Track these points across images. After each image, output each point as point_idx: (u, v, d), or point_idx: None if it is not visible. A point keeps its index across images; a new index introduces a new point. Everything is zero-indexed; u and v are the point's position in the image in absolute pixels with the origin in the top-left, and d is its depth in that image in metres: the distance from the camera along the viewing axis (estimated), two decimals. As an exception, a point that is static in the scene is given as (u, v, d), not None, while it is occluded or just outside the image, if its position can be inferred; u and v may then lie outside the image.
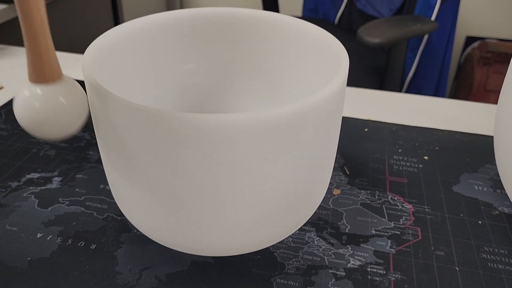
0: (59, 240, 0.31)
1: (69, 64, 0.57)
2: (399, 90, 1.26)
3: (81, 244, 0.31)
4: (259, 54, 0.34)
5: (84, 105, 0.23)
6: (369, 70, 1.21)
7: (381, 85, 1.16)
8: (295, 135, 0.22)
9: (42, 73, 0.21)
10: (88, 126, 0.43)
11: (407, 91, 1.33)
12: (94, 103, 0.24)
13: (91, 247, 0.31)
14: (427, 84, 1.34)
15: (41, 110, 0.22)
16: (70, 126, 0.23)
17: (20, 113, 0.22)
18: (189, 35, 0.33)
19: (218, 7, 0.33)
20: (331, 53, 0.28)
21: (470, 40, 1.69)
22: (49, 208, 0.34)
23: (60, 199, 0.35)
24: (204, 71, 0.35)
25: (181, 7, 1.97)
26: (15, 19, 1.09)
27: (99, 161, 0.39)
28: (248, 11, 0.32)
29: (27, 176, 0.37)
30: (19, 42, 1.12)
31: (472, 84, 1.59)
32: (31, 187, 0.36)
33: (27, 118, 0.22)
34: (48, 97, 0.22)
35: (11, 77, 0.53)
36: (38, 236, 0.31)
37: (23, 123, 0.22)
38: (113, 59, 0.29)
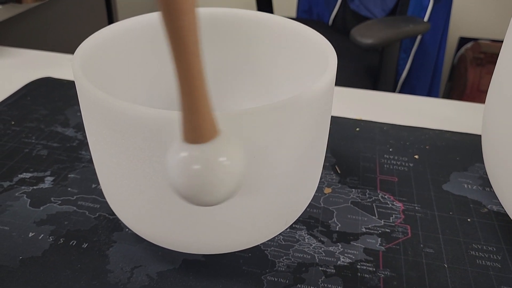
0: (51, 239, 0.31)
1: (62, 64, 0.57)
2: (393, 90, 1.27)
3: (73, 243, 0.31)
4: (250, 54, 0.34)
5: (244, 161, 0.20)
6: (363, 71, 1.21)
7: (374, 86, 1.17)
8: (283, 133, 0.23)
9: (200, 132, 0.18)
10: (80, 127, 0.43)
11: (401, 92, 1.34)
12: (83, 102, 0.24)
13: (83, 246, 0.31)
14: (420, 84, 1.34)
15: (199, 173, 0.18)
16: (234, 186, 0.19)
17: (178, 178, 0.19)
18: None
19: (212, 7, 0.33)
20: (320, 52, 0.28)
21: (463, 41, 1.70)
22: (41, 208, 0.34)
23: (52, 198, 0.35)
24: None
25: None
26: (10, 19, 1.08)
27: (91, 161, 0.39)
28: (239, 11, 0.33)
29: (19, 176, 0.37)
30: (14, 43, 1.12)
31: (466, 84, 1.60)
32: (23, 187, 0.36)
33: (184, 182, 0.19)
34: (209, 157, 0.18)
35: (5, 78, 0.53)
36: (30, 235, 0.32)
37: (182, 189, 0.19)
38: (103, 59, 0.29)
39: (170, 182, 0.19)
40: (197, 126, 0.18)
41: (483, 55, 1.59)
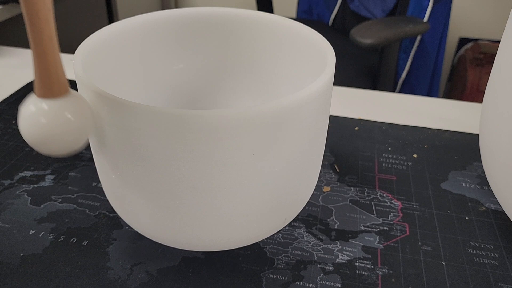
0: (51, 237, 0.31)
1: (64, 64, 0.57)
2: (392, 90, 1.27)
3: (73, 240, 0.31)
4: (249, 53, 0.35)
5: (90, 121, 0.23)
6: (363, 71, 1.21)
7: (374, 86, 1.17)
8: (282, 131, 0.23)
9: (50, 88, 0.21)
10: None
11: (400, 92, 1.34)
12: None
13: (83, 243, 0.31)
14: (420, 85, 1.35)
15: (48, 125, 0.21)
16: (76, 142, 0.22)
17: (25, 128, 0.21)
18: (180, 35, 0.34)
19: (213, 7, 0.34)
20: (318, 52, 0.29)
21: (463, 41, 1.71)
22: (42, 206, 0.34)
23: (52, 196, 0.35)
24: (196, 71, 0.36)
25: (176, 6, 1.97)
26: (10, 20, 1.09)
27: (91, 159, 0.39)
28: (239, 11, 0.33)
29: (20, 174, 0.37)
30: (14, 43, 1.12)
31: (465, 85, 1.60)
32: (24, 185, 0.36)
33: (33, 133, 0.21)
34: (55, 112, 0.21)
35: (5, 77, 0.53)
36: (30, 233, 0.32)
37: (29, 138, 0.22)
38: (104, 58, 0.29)
39: (21, 132, 0.22)
40: (47, 83, 0.21)
41: (483, 56, 1.59)
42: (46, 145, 0.21)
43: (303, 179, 0.27)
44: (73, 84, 0.51)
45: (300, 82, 0.32)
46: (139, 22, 0.31)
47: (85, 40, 0.27)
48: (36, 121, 0.21)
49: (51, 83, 0.21)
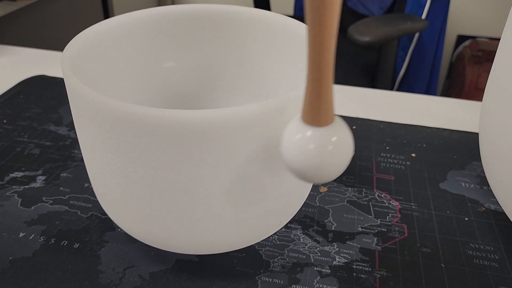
0: (42, 240, 0.31)
1: (56, 62, 0.57)
2: (391, 88, 1.27)
3: (64, 243, 0.31)
4: (243, 51, 0.34)
5: (351, 150, 0.21)
6: (360, 69, 1.21)
7: (372, 84, 1.16)
8: (276, 131, 0.22)
9: (318, 116, 0.20)
10: (73, 125, 0.43)
11: (399, 90, 1.33)
12: (73, 100, 0.23)
13: (74, 246, 0.30)
14: (418, 82, 1.34)
15: (315, 153, 0.20)
16: (336, 171, 0.21)
17: (292, 155, 0.20)
18: (172, 33, 0.33)
19: (206, 4, 0.33)
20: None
21: (461, 38, 1.70)
22: (32, 207, 0.33)
23: (43, 198, 0.34)
24: (188, 69, 0.35)
25: (172, 3, 1.96)
26: (5, 17, 1.08)
27: (83, 159, 0.38)
28: (232, 7, 0.32)
29: (10, 175, 0.36)
30: (8, 41, 1.11)
31: (464, 82, 1.60)
32: (14, 186, 0.35)
33: (300, 160, 0.20)
34: (321, 141, 0.20)
35: (0, 76, 0.53)
36: (20, 236, 0.31)
37: (295, 165, 0.20)
38: (93, 56, 0.28)
39: (285, 160, 0.21)
40: (321, 110, 0.19)
41: (481, 53, 1.59)
42: (310, 173, 0.20)
43: (298, 181, 0.27)
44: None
45: (295, 80, 0.31)
46: (130, 20, 0.31)
47: (73, 38, 0.27)
48: (305, 147, 0.20)
49: (320, 111, 0.19)
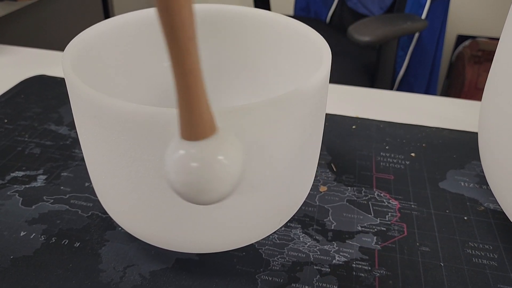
0: (43, 239, 0.31)
1: (57, 62, 0.57)
2: (390, 88, 1.27)
3: (65, 242, 0.31)
4: (243, 50, 0.34)
5: (242, 164, 0.19)
6: (360, 69, 1.21)
7: (372, 84, 1.16)
8: (276, 130, 0.22)
9: (197, 128, 0.18)
10: (74, 125, 0.43)
11: (398, 90, 1.33)
12: (74, 99, 0.24)
13: (75, 245, 0.31)
14: (418, 82, 1.34)
15: (200, 170, 0.18)
16: (233, 184, 0.19)
17: (175, 176, 0.18)
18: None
19: (208, 4, 0.33)
20: (314, 49, 0.28)
21: (461, 38, 1.70)
22: (33, 207, 0.33)
23: (44, 197, 0.34)
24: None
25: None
26: (6, 17, 1.08)
27: (84, 159, 0.38)
28: (232, 7, 0.32)
29: (11, 174, 0.36)
30: (9, 41, 1.11)
31: (464, 82, 1.60)
32: (15, 186, 0.35)
33: (184, 181, 0.18)
34: (206, 155, 0.18)
35: (0, 76, 0.53)
36: (21, 235, 0.31)
37: (179, 187, 0.19)
38: (94, 56, 0.28)
39: (167, 180, 0.19)
40: (194, 122, 0.18)
41: (481, 53, 1.59)
42: (197, 192, 0.18)
43: (299, 179, 0.27)
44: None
45: (295, 79, 0.32)
46: (131, 20, 0.31)
47: (74, 38, 0.27)
48: (187, 166, 0.18)
49: (199, 123, 0.18)
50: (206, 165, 0.18)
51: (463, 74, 1.60)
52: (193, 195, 0.18)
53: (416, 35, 1.27)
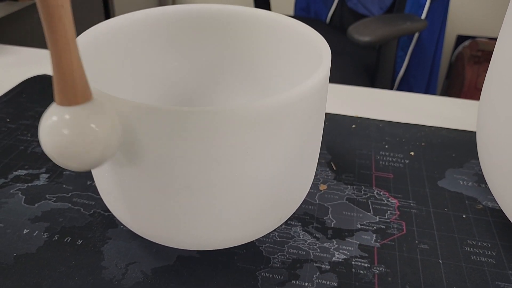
0: (46, 236, 0.31)
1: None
2: (390, 88, 1.27)
3: (67, 239, 0.31)
4: (244, 50, 0.34)
5: (116, 132, 0.20)
6: (360, 69, 1.21)
7: (372, 84, 1.17)
8: (277, 130, 0.23)
9: (70, 94, 0.19)
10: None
11: (398, 90, 1.34)
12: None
13: (77, 242, 0.31)
14: (418, 82, 1.35)
15: (69, 136, 0.19)
16: (104, 153, 0.20)
17: (46, 140, 0.19)
18: (175, 32, 0.33)
19: (209, 4, 0.33)
20: (314, 48, 0.28)
21: (461, 39, 1.70)
22: (36, 205, 0.34)
23: (47, 195, 0.35)
24: (190, 68, 0.35)
25: (173, 3, 1.97)
26: (7, 17, 1.08)
27: (86, 157, 0.39)
28: (233, 7, 0.33)
29: (14, 173, 0.37)
30: (11, 41, 1.11)
31: (463, 82, 1.60)
32: (18, 184, 0.36)
33: (54, 146, 0.19)
34: (78, 121, 0.19)
35: (0, 75, 0.53)
36: (24, 232, 0.31)
37: (50, 151, 0.19)
38: (95, 56, 0.29)
39: (41, 143, 0.20)
40: (66, 89, 0.19)
41: (481, 53, 1.59)
42: (67, 158, 0.19)
43: (299, 177, 0.27)
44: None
45: (295, 79, 0.32)
46: (133, 19, 0.31)
47: (77, 38, 0.27)
48: (57, 131, 0.19)
49: (72, 89, 0.18)
50: (76, 131, 0.19)
51: (462, 74, 1.61)
52: (64, 160, 0.19)
53: (416, 35, 1.28)
